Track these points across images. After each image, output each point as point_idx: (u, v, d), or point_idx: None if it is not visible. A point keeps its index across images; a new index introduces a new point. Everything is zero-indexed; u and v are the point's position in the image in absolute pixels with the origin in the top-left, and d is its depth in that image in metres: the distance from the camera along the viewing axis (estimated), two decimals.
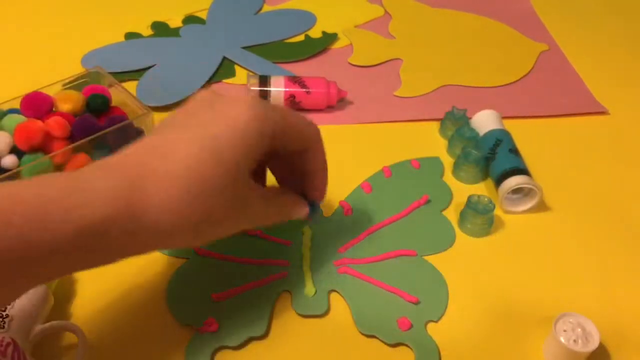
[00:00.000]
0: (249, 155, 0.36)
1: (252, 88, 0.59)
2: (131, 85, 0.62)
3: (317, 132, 0.41)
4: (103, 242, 0.32)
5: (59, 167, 0.49)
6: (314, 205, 0.44)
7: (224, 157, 0.34)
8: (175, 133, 0.35)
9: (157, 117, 0.57)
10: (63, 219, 0.30)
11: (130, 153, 0.34)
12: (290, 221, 0.43)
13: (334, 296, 0.45)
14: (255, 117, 0.36)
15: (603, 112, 0.64)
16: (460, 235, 0.50)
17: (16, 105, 0.51)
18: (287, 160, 0.42)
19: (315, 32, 0.72)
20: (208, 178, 0.34)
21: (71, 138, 0.50)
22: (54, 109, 0.52)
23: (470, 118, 0.59)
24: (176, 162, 0.33)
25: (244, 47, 0.69)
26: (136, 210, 0.32)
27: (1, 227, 0.29)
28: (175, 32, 0.70)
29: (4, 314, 0.39)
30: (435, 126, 0.61)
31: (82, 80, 0.55)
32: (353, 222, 0.50)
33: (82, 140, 0.49)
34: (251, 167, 0.37)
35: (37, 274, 0.31)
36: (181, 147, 0.34)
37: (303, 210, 0.43)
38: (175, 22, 0.72)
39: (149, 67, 0.64)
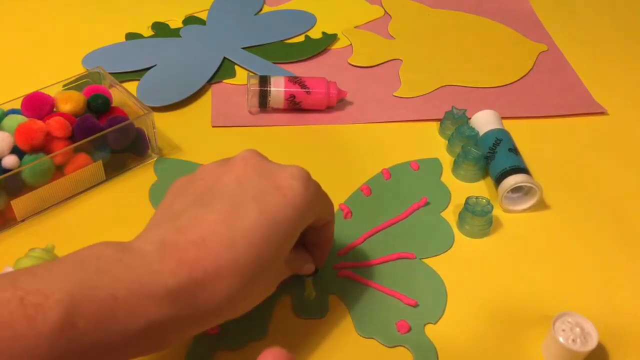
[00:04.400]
0: (300, 231, 0.37)
1: (252, 88, 0.60)
2: (132, 86, 0.62)
3: (333, 207, 0.42)
4: (161, 334, 0.32)
5: (60, 168, 0.49)
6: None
7: (281, 236, 0.35)
8: (232, 206, 0.34)
9: (158, 117, 0.57)
10: (128, 320, 0.30)
11: (195, 240, 0.33)
12: None
13: (333, 299, 0.45)
14: (313, 194, 0.37)
15: (602, 113, 0.64)
16: (459, 236, 0.50)
17: (17, 105, 0.51)
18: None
19: (315, 33, 0.72)
20: (265, 262, 0.34)
21: (72, 138, 0.50)
22: (54, 109, 0.52)
23: (470, 118, 0.59)
24: (241, 251, 0.33)
25: (244, 48, 0.69)
26: (199, 307, 0.32)
27: (65, 329, 0.28)
28: (175, 33, 0.71)
29: None
30: (434, 126, 0.61)
31: (82, 81, 0.55)
32: (352, 225, 0.50)
33: (83, 141, 0.49)
34: None
35: None
36: (245, 230, 0.33)
37: (311, 268, 0.43)
38: (175, 22, 0.73)
39: (150, 68, 0.65)
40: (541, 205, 0.53)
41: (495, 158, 0.54)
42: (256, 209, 0.34)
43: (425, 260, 0.48)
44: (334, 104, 0.62)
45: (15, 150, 0.48)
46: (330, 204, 0.41)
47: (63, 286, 0.28)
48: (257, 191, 0.35)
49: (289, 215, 0.35)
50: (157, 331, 0.31)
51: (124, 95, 0.55)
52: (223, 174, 0.37)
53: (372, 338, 0.43)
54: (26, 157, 0.48)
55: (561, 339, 0.41)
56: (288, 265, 0.40)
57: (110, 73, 0.56)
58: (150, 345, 0.32)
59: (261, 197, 0.35)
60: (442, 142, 0.59)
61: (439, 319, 0.44)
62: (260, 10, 0.76)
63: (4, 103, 0.52)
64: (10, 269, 0.41)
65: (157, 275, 0.31)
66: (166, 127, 0.58)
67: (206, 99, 0.63)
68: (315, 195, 0.37)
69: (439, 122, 0.61)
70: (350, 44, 0.71)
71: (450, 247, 0.49)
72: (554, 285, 0.47)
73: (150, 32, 0.71)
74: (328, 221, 0.42)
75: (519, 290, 0.47)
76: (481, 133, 0.57)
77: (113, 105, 0.54)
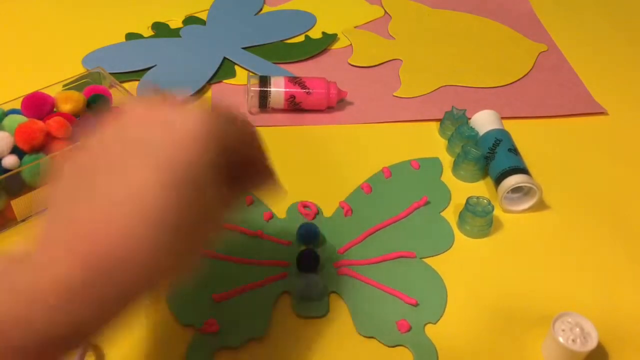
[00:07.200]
0: (214, 166, 0.31)
1: (252, 89, 0.60)
2: (132, 86, 0.62)
3: (256, 137, 0.37)
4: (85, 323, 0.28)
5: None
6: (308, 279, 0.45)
7: (189, 174, 0.30)
8: (120, 166, 0.30)
9: None
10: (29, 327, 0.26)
11: (91, 219, 0.29)
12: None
13: (333, 297, 0.45)
14: (212, 123, 0.31)
15: (602, 113, 0.64)
16: (459, 236, 0.50)
17: (17, 105, 0.51)
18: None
19: (315, 33, 0.72)
20: (184, 204, 0.30)
21: (72, 138, 0.50)
22: (54, 110, 0.52)
23: (470, 118, 0.59)
24: (149, 205, 0.29)
25: (244, 48, 0.69)
26: (119, 282, 0.28)
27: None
28: (175, 33, 0.71)
29: None
30: (434, 126, 0.61)
31: (83, 81, 0.55)
32: (353, 223, 0.50)
33: None
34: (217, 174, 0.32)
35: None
36: (140, 185, 0.29)
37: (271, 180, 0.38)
38: (175, 22, 0.73)
39: (150, 68, 0.65)
40: (541, 205, 0.53)
41: (495, 158, 0.54)
42: (143, 156, 0.30)
43: (426, 260, 0.48)
44: (334, 104, 0.62)
45: (15, 150, 0.48)
46: (248, 134, 0.36)
47: None
48: (144, 135, 0.31)
49: (189, 150, 0.30)
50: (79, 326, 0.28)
51: (124, 95, 0.55)
52: (109, 138, 0.32)
53: (372, 337, 0.43)
54: (26, 157, 0.48)
55: (561, 339, 0.41)
56: (229, 201, 0.35)
57: (110, 73, 0.56)
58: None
59: (148, 140, 0.30)
60: (442, 142, 0.59)
61: (439, 319, 0.44)
62: (260, 10, 0.76)
63: (4, 103, 0.52)
64: None
65: (47, 268, 0.27)
66: None
67: (206, 99, 0.63)
68: (217, 124, 0.32)
69: (439, 122, 0.61)
70: (350, 44, 0.71)
71: (450, 247, 0.49)
72: (554, 285, 0.47)
73: (150, 32, 0.71)
74: (251, 155, 0.36)
75: (519, 290, 0.47)
76: (481, 133, 0.57)
77: (113, 105, 0.54)
